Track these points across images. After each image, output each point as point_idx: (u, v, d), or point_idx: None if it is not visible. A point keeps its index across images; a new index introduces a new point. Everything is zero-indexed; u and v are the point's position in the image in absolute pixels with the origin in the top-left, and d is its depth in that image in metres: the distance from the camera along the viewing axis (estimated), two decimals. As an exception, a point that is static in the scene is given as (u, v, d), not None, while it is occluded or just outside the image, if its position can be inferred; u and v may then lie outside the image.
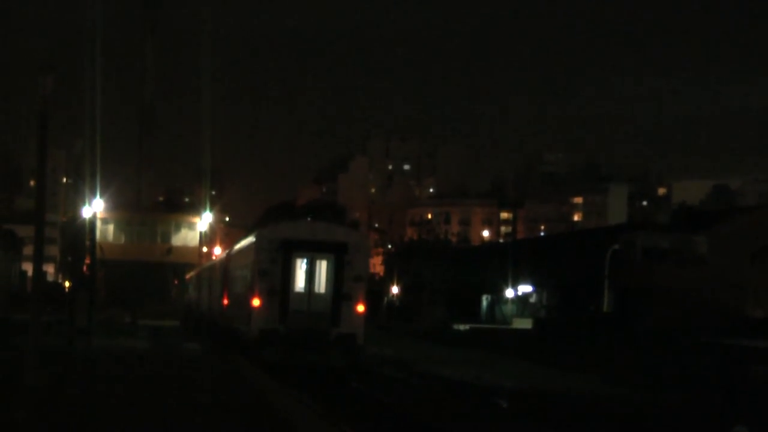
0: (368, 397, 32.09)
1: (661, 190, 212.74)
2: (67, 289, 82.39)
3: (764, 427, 28.73)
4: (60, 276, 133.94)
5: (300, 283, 36.98)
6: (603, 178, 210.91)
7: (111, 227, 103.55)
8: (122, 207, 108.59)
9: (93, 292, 44.14)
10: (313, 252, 37.00)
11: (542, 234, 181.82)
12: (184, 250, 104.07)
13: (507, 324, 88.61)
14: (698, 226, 78.11)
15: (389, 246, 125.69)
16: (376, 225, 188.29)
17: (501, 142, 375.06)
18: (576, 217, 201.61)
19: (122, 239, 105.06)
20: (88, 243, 46.89)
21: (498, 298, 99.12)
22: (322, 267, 37.02)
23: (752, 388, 37.81)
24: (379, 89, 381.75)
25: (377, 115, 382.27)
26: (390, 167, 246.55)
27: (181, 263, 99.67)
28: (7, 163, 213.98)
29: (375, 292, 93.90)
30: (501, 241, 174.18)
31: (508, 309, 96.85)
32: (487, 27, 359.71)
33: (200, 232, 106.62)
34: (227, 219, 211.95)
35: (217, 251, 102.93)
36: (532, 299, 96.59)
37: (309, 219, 48.00)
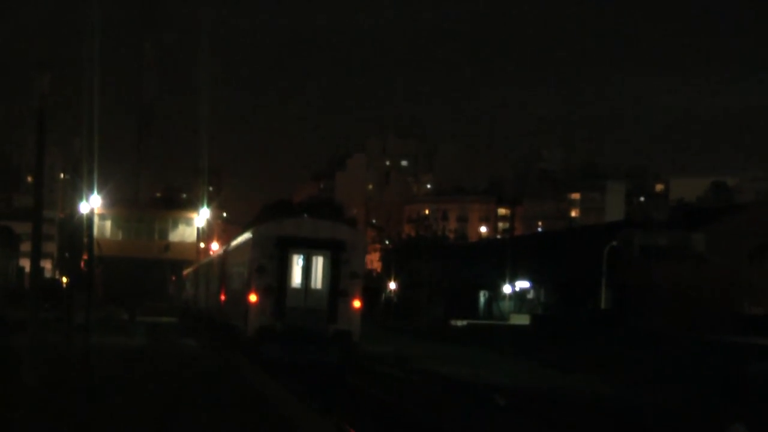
0: (365, 394, 32.12)
1: (659, 187, 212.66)
2: (64, 286, 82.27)
3: (762, 425, 28.73)
4: (57, 273, 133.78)
5: (296, 279, 37.06)
6: (601, 176, 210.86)
7: (108, 224, 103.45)
8: (120, 203, 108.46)
9: (91, 289, 44.07)
10: (309, 249, 37.09)
11: (540, 231, 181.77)
12: (182, 246, 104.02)
13: (504, 320, 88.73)
14: (696, 223, 78.17)
15: (387, 243, 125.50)
16: (374, 221, 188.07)
17: (499, 140, 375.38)
18: (574, 214, 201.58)
19: (120, 236, 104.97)
20: (85, 240, 46.76)
21: (495, 294, 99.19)
22: (319, 264, 37.11)
23: (750, 385, 37.82)
24: (377, 87, 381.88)
25: (375, 112, 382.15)
26: (388, 164, 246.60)
27: (178, 260, 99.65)
28: (4, 160, 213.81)
29: (372, 289, 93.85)
30: (499, 237, 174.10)
31: (506, 306, 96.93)
32: (486, 26, 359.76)
33: (198, 229, 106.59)
34: (225, 215, 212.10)
35: (215, 247, 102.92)
36: (530, 296, 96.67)
37: (306, 216, 47.98)
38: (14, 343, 37.14)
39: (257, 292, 36.94)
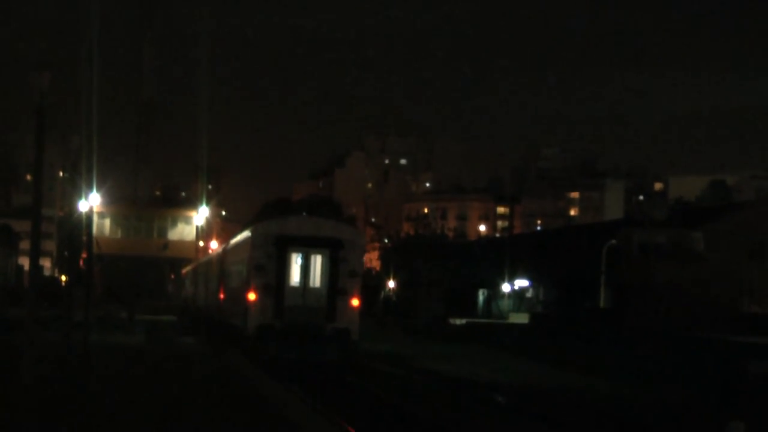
0: (364, 393, 32.11)
1: (658, 186, 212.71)
2: (63, 284, 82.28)
3: (762, 424, 28.72)
4: (56, 271, 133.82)
5: (295, 278, 37.08)
6: (600, 174, 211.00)
7: (107, 222, 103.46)
8: (119, 201, 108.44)
9: (90, 287, 44.06)
10: (308, 247, 37.11)
11: (539, 229, 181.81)
12: (181, 244, 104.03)
13: (503, 319, 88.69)
14: (695, 221, 78.09)
15: (386, 241, 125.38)
16: (373, 220, 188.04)
17: (498, 138, 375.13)
18: (573, 213, 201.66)
19: (119, 234, 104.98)
20: (84, 238, 46.71)
21: (495, 293, 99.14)
22: (317, 262, 37.13)
23: (749, 384, 37.80)
24: (375, 85, 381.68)
25: (374, 111, 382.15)
26: (387, 162, 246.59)
27: (177, 258, 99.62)
28: (3, 158, 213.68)
29: (371, 288, 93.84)
30: (498, 236, 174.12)
31: (505, 304, 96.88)
32: (485, 25, 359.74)
33: (197, 227, 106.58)
34: (224, 214, 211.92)
35: (214, 246, 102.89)
36: (529, 294, 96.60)
37: (304, 214, 47.98)
38: (13, 342, 37.12)
39: (256, 291, 36.94)
